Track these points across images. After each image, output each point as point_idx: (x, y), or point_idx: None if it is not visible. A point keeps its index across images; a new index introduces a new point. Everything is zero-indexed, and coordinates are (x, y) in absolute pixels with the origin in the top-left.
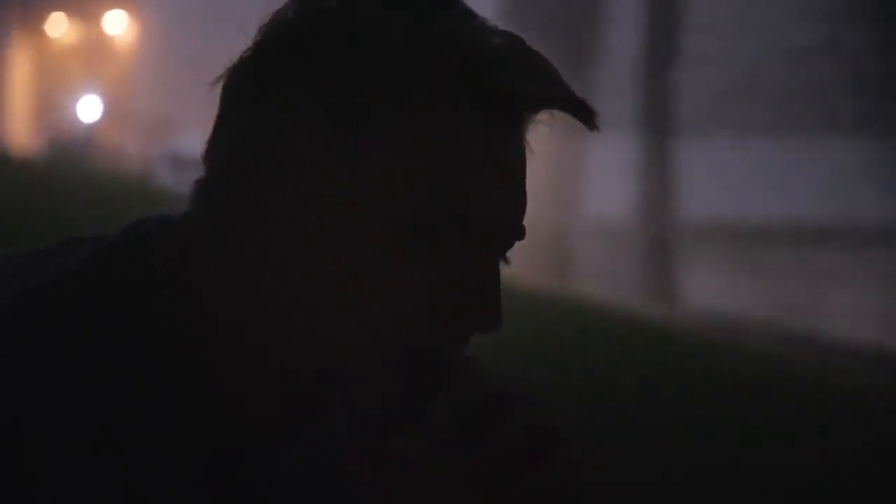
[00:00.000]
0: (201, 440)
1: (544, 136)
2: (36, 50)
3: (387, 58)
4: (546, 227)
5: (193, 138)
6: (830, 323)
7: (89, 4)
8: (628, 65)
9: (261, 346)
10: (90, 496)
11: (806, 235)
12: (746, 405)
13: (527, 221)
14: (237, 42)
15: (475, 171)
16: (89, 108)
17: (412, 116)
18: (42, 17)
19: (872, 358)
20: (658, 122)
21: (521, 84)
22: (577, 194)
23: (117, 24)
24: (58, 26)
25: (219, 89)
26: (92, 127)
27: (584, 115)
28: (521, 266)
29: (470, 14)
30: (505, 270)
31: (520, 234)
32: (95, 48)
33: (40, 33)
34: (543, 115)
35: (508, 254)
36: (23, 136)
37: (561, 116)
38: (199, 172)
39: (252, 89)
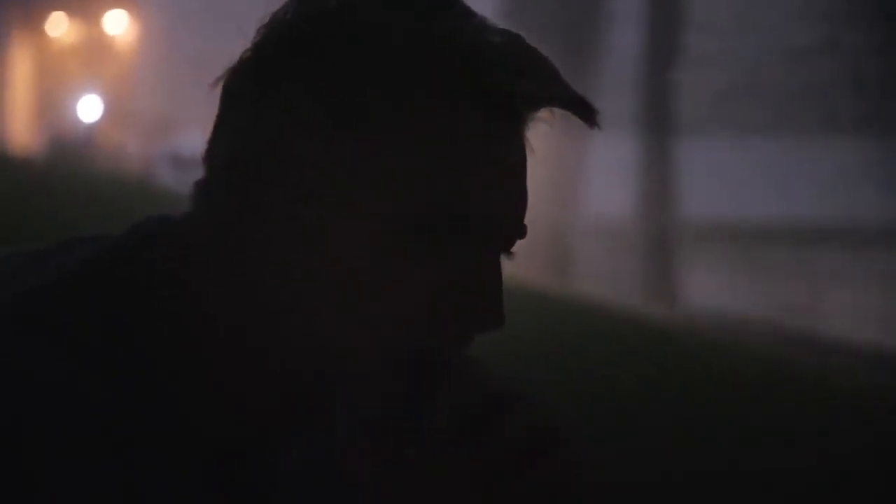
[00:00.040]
0: (201, 440)
1: (544, 136)
2: (36, 49)
3: (387, 58)
4: (546, 226)
5: (194, 138)
6: (830, 323)
7: (90, 4)
8: (629, 64)
9: (261, 346)
10: (90, 496)
11: (806, 235)
12: (746, 405)
13: (526, 220)
14: (237, 42)
15: (475, 171)
16: (89, 108)
17: (412, 116)
18: (42, 17)
19: (872, 358)
20: (658, 122)
21: (520, 83)
22: (577, 193)
23: (118, 24)
24: (58, 26)
25: (219, 90)
26: (92, 126)
27: (585, 112)
28: (520, 265)
29: (470, 13)
30: (504, 270)
31: (521, 233)
32: (96, 48)
33: (40, 33)
34: (544, 114)
35: (511, 251)
36: (23, 135)
37: (561, 115)
38: (199, 172)
39: (252, 90)
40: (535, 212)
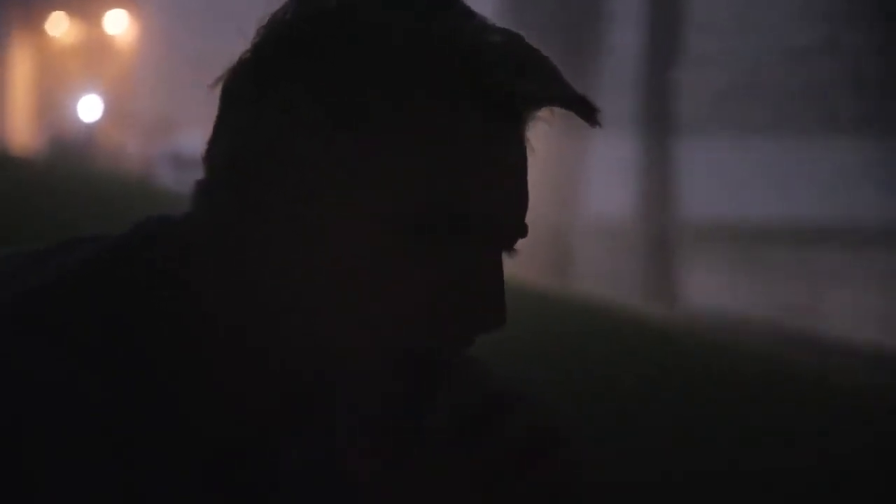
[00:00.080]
0: (201, 440)
1: (544, 135)
2: (36, 49)
3: (387, 58)
4: (546, 226)
5: (194, 138)
6: (830, 323)
7: (90, 4)
8: (629, 64)
9: (261, 346)
10: (90, 496)
11: (806, 235)
12: (746, 405)
13: (527, 220)
14: (237, 42)
15: (475, 171)
16: (90, 108)
17: (412, 116)
18: (42, 17)
19: (872, 358)
20: (658, 122)
21: (520, 83)
22: (577, 193)
23: (118, 24)
24: (58, 26)
25: (219, 90)
26: (92, 126)
27: (585, 111)
28: (520, 265)
29: (470, 13)
30: (505, 270)
31: (522, 232)
32: (96, 48)
33: (41, 33)
34: (544, 114)
35: (514, 249)
36: (23, 135)
37: (561, 115)
38: (199, 172)
39: (252, 90)
40: (535, 212)
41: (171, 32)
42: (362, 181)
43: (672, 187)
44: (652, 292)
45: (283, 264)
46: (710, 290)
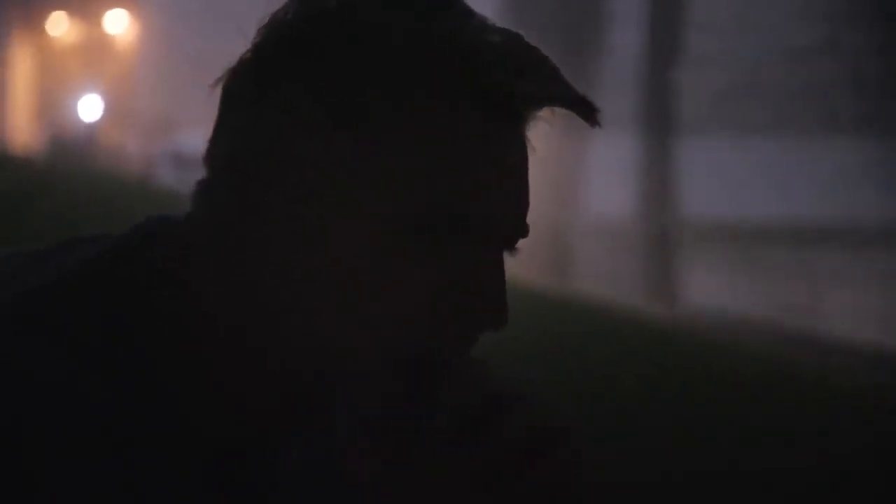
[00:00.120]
0: (201, 440)
1: (545, 135)
2: (37, 49)
3: (387, 58)
4: (546, 226)
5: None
6: (830, 323)
7: (90, 3)
8: (629, 64)
9: (261, 346)
10: (90, 496)
11: (806, 235)
12: (746, 405)
13: (527, 220)
14: (238, 41)
15: (475, 171)
16: (90, 107)
17: (412, 116)
18: (43, 16)
19: (872, 358)
20: (658, 122)
21: (521, 82)
22: (577, 193)
23: (118, 24)
24: (59, 25)
25: (219, 89)
26: (93, 126)
27: (586, 111)
28: (521, 265)
29: (470, 13)
30: (505, 269)
31: (522, 232)
32: (96, 47)
33: (41, 32)
34: (544, 113)
35: (515, 248)
36: (24, 134)
37: (561, 115)
38: (200, 171)
39: (252, 90)
40: (535, 211)
41: (172, 32)
42: (362, 181)
43: (672, 187)
44: (652, 292)
45: (283, 264)
46: (710, 290)
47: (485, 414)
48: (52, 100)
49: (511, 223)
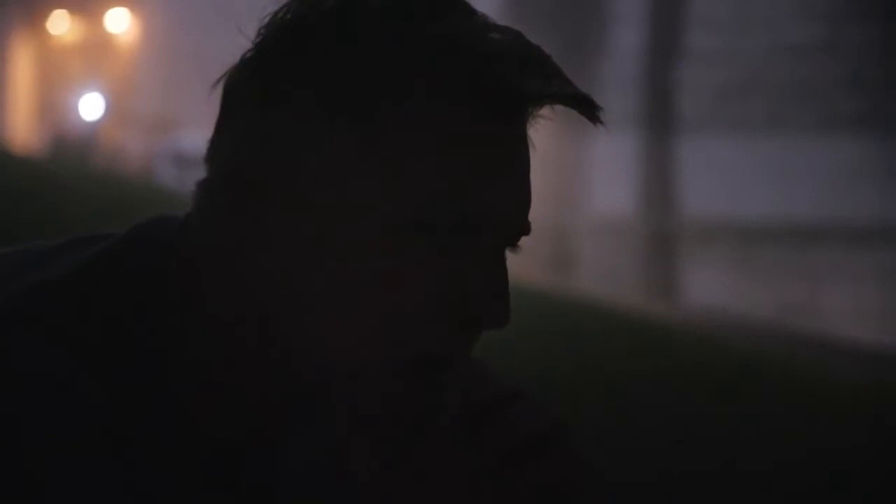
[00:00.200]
0: (202, 440)
1: (545, 133)
2: (38, 48)
3: (388, 57)
4: (547, 224)
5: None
6: (830, 321)
7: (91, 2)
8: (630, 62)
9: (261, 346)
10: (91, 496)
11: (806, 233)
12: (746, 405)
13: (528, 218)
14: (239, 41)
15: (476, 170)
16: (91, 106)
17: (413, 115)
18: (44, 15)
19: (872, 357)
20: (659, 120)
21: (522, 81)
22: (578, 191)
23: (119, 23)
24: (60, 24)
25: (220, 89)
26: (94, 125)
27: (587, 109)
28: (521, 264)
29: (471, 12)
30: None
31: (524, 230)
32: (98, 46)
33: (42, 31)
34: (546, 111)
35: (517, 247)
36: (25, 133)
37: (563, 113)
38: (200, 171)
39: (253, 90)
40: (536, 210)
41: (173, 31)
42: (363, 180)
43: (673, 185)
44: (652, 290)
45: (284, 264)
46: (711, 288)
47: (485, 413)
48: (53, 99)
49: (513, 221)
